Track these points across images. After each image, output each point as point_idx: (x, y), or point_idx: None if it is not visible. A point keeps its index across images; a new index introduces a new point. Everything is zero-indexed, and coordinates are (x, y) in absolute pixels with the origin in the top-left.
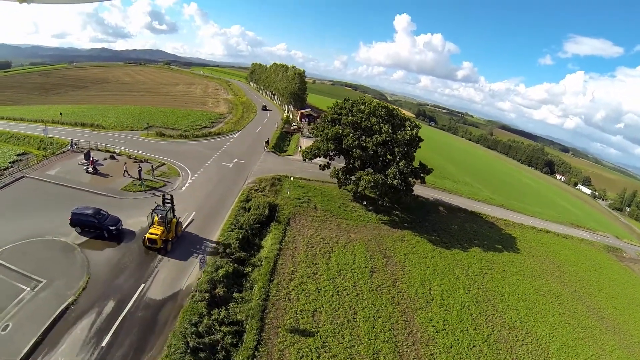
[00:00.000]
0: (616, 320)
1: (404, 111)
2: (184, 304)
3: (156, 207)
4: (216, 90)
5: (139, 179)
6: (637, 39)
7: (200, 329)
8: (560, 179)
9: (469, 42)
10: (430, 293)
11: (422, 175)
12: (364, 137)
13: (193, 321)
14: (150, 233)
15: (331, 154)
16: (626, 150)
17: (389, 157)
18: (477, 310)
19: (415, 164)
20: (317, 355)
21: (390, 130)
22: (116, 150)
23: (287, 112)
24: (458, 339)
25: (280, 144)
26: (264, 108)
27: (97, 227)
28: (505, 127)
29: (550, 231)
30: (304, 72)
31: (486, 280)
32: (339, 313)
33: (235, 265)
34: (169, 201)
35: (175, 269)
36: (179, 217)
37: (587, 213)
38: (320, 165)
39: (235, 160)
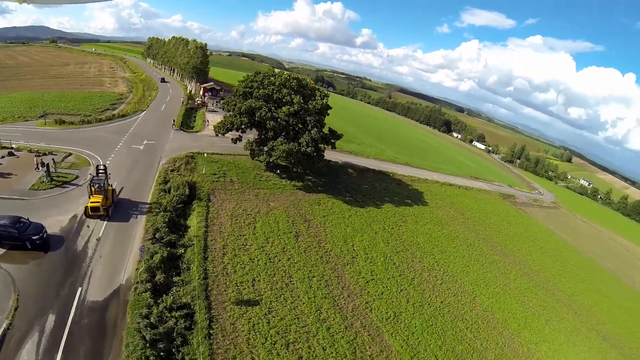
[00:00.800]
0: (515, 254)
1: (310, 80)
2: (128, 299)
3: (92, 178)
4: (112, 69)
5: (47, 172)
6: (527, 14)
7: (152, 320)
8: (457, 137)
9: (369, 10)
10: (354, 249)
11: (332, 141)
12: (274, 108)
13: (143, 314)
14: (92, 202)
15: (243, 127)
16: (515, 111)
17: (299, 126)
18: (398, 259)
19: (325, 130)
20: (267, 321)
21: (301, 100)
22: (13, 146)
23: (190, 88)
24: (387, 286)
25: (187, 121)
26: (162, 80)
27: (18, 239)
28: (403, 90)
29: (453, 184)
30: (205, 45)
31: (402, 232)
32: (275, 279)
33: (168, 248)
34: (103, 171)
35: (110, 265)
36: (113, 185)
37: (483, 166)
38: (232, 139)
39: (145, 141)
